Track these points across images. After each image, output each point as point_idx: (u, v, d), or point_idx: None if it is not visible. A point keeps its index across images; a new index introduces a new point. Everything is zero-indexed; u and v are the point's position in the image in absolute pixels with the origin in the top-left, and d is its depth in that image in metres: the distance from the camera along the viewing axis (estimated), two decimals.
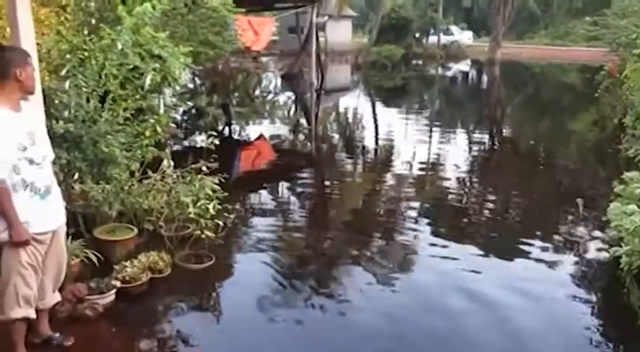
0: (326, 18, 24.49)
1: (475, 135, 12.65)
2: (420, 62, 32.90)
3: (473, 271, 4.89)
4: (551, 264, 5.12)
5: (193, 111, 13.23)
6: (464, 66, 32.62)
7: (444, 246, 5.47)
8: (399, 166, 9.16)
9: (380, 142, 11.42)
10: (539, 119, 15.14)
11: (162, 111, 6.21)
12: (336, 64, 30.35)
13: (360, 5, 46.32)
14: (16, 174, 3.00)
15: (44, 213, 3.15)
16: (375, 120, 14.53)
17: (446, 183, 8.07)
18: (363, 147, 11.01)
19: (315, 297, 4.40)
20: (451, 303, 4.34)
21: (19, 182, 3.02)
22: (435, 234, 5.84)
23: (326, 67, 22.73)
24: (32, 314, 3.21)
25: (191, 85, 16.11)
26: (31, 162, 3.06)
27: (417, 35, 36.54)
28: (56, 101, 4.52)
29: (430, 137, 11.71)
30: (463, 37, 40.38)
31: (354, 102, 17.92)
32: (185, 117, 12.51)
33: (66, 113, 4.36)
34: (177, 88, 6.16)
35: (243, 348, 3.71)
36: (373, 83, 24.10)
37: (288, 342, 3.82)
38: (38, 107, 3.61)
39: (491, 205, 7.08)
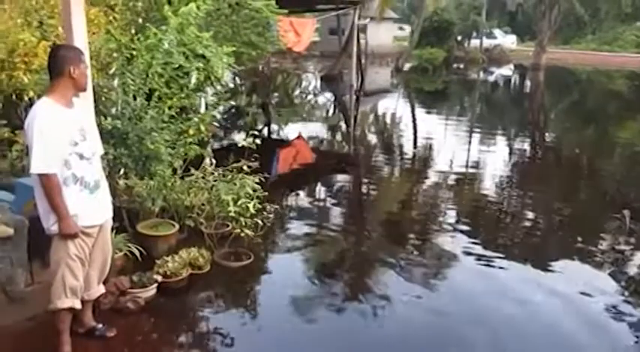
0: (367, 20, 24.42)
1: (517, 142, 12.40)
2: (462, 66, 32.47)
3: (511, 278, 4.83)
4: (595, 275, 4.99)
5: (233, 110, 13.41)
6: (506, 70, 32.02)
7: (482, 253, 5.39)
8: (437, 171, 9.05)
9: (419, 146, 11.31)
10: (584, 126, 14.75)
11: (203, 110, 6.29)
12: (376, 66, 30.27)
13: (402, 7, 46.06)
14: (67, 169, 3.09)
15: (93, 207, 3.24)
16: (414, 124, 14.40)
17: (485, 189, 7.94)
18: (402, 150, 10.93)
19: (350, 300, 4.40)
20: (486, 310, 4.28)
21: (70, 176, 3.11)
22: (472, 240, 5.74)
23: (366, 69, 22.68)
24: (78, 305, 3.30)
25: (231, 85, 16.29)
26: (82, 157, 3.16)
27: (459, 38, 36.10)
28: (104, 98, 4.65)
29: (470, 142, 11.53)
30: (506, 41, 39.69)
31: (394, 105, 17.81)
32: (225, 117, 12.69)
33: (114, 110, 4.47)
34: (218, 87, 6.24)
35: (277, 347, 3.74)
36: (413, 86, 23.90)
37: (322, 344, 3.83)
38: (89, 104, 3.72)
39: (532, 213, 6.92)
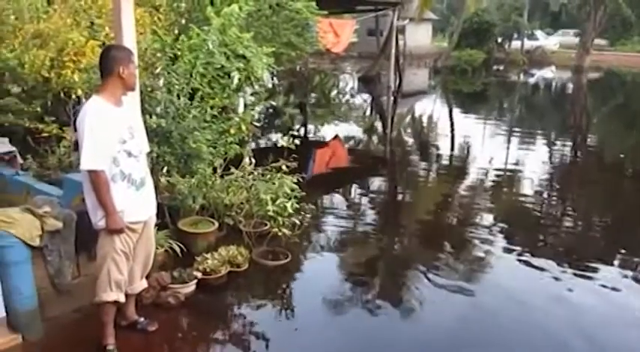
0: (406, 21, 24.26)
1: (557, 146, 12.12)
2: (502, 68, 31.87)
3: (549, 284, 4.75)
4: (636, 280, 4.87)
5: (270, 110, 13.51)
6: (548, 73, 31.27)
7: (519, 258, 5.31)
8: (475, 174, 8.93)
9: (456, 148, 11.18)
10: (628, 131, 14.30)
11: (241, 109, 6.38)
12: (414, 67, 30.04)
13: (441, 9, 45.57)
14: (115, 166, 3.18)
15: (138, 204, 3.32)
16: (452, 126, 14.24)
17: (524, 194, 7.80)
18: (439, 152, 10.83)
19: (383, 302, 4.41)
20: (522, 316, 4.21)
21: (118, 173, 3.20)
22: (509, 244, 5.66)
23: (404, 71, 22.54)
24: (122, 299, 3.39)
25: (269, 85, 16.41)
26: (130, 154, 3.24)
27: (500, 40, 35.44)
28: (149, 97, 4.75)
29: (509, 145, 11.34)
30: (549, 42, 38.76)
31: (431, 107, 17.65)
32: (262, 116, 12.79)
33: (158, 109, 4.57)
34: (256, 87, 6.32)
35: (313, 347, 3.77)
36: (452, 88, 23.62)
37: (355, 346, 3.83)
38: (137, 103, 3.81)
39: (571, 219, 6.78)
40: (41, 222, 3.42)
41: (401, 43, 22.09)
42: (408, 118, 15.70)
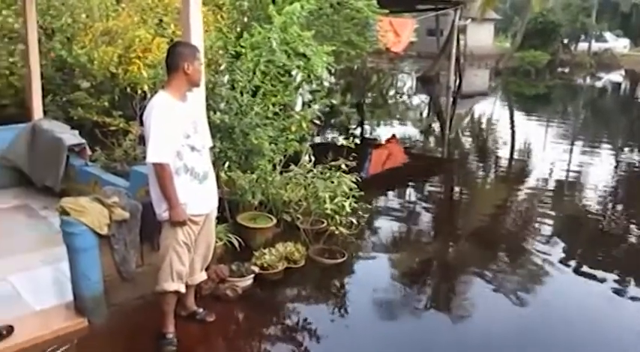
0: (468, 21, 23.80)
1: (625, 154, 11.57)
2: (567, 70, 30.75)
3: (608, 297, 4.52)
4: None
5: (327, 109, 13.52)
6: (616, 76, 29.94)
7: (577, 268, 5.11)
8: (534, 179, 8.63)
9: (516, 152, 10.87)
10: None
11: (299, 107, 6.41)
12: (475, 68, 29.41)
13: (504, 8, 44.42)
14: (179, 160, 3.25)
15: (201, 197, 3.38)
16: (513, 129, 13.86)
17: (585, 202, 7.47)
18: (497, 156, 10.55)
19: (435, 305, 4.36)
20: (577, 328, 4.05)
21: (182, 167, 3.27)
22: (567, 254, 5.41)
23: (464, 71, 22.11)
24: (182, 289, 3.47)
25: (326, 83, 16.44)
26: (193, 149, 3.30)
27: (566, 41, 34.24)
28: (214, 93, 4.84)
29: (572, 151, 10.90)
30: (618, 44, 37.09)
31: (491, 109, 17.23)
32: (319, 115, 12.79)
33: (222, 105, 4.65)
34: (314, 85, 6.34)
35: (363, 347, 3.73)
36: (513, 90, 22.99)
37: (405, 347, 3.79)
38: (201, 98, 3.89)
39: (636, 231, 6.43)
40: (109, 212, 3.54)
41: (462, 43, 21.67)
42: (466, 120, 15.39)
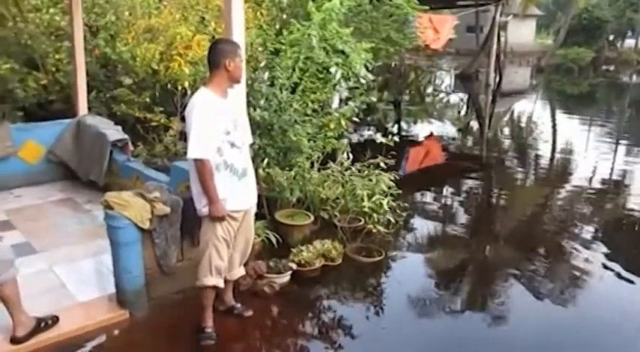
0: (509, 17, 23.30)
1: None
2: (612, 68, 29.81)
3: None
4: None
5: (363, 106, 13.45)
6: None
7: (619, 273, 4.92)
8: (575, 181, 8.36)
9: (556, 152, 10.59)
10: None
11: (335, 104, 6.40)
12: (515, 65, 28.81)
13: (547, 4, 43.38)
14: (219, 156, 3.28)
15: (240, 193, 3.40)
16: (554, 128, 13.52)
17: (630, 204, 7.21)
18: (538, 156, 10.29)
19: (470, 307, 4.30)
20: (624, 336, 3.89)
21: (222, 163, 3.29)
22: (609, 258, 5.22)
23: (504, 69, 21.68)
24: (221, 284, 3.50)
25: (363, 81, 16.35)
26: (233, 145, 3.32)
27: (611, 38, 33.19)
28: (251, 90, 4.87)
29: (615, 152, 10.53)
30: None
31: (532, 107, 16.85)
32: (355, 112, 12.74)
33: (262, 102, 4.67)
34: (351, 83, 6.32)
35: (398, 347, 3.69)
36: (555, 88, 22.41)
37: (442, 348, 3.76)
38: (242, 95, 3.91)
39: None
40: (151, 207, 3.60)
41: (502, 39, 21.24)
42: (506, 118, 15.09)
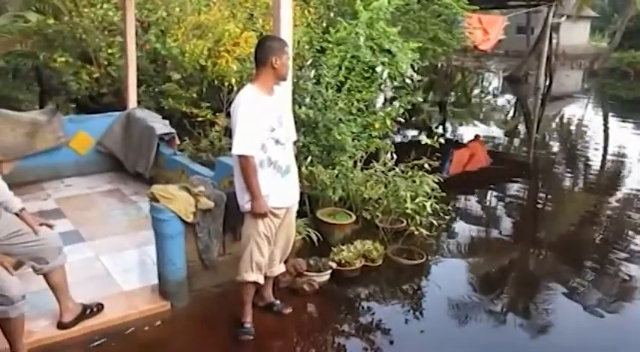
0: (562, 18, 22.65)
1: None
2: None
3: None
4: None
5: (408, 106, 13.30)
6: None
7: None
8: (628, 188, 8.04)
9: (608, 158, 10.21)
10: None
11: (379, 104, 6.34)
12: (567, 68, 27.96)
13: (602, 5, 41.96)
14: (263, 152, 3.29)
15: (283, 190, 3.40)
16: (606, 134, 13.04)
17: None
18: (588, 161, 9.94)
19: (512, 315, 4.18)
20: None
21: (265, 159, 3.30)
22: None
23: (555, 71, 21.05)
24: (261, 280, 3.52)
25: (409, 81, 16.18)
26: (277, 142, 3.33)
27: None
28: (296, 88, 4.88)
29: None
30: None
31: (583, 112, 16.32)
32: (400, 112, 12.61)
33: (307, 100, 4.67)
34: (396, 82, 6.25)
35: (437, 351, 3.65)
36: (609, 92, 21.61)
37: None
38: (288, 92, 3.91)
39: None
40: (195, 200, 3.65)
41: (554, 41, 20.65)
42: (555, 122, 14.66)
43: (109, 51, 8.60)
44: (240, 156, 3.24)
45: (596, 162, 9.87)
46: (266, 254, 3.47)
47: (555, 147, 11.57)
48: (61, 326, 3.39)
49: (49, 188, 5.87)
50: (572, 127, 14.19)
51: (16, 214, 3.10)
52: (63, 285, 3.35)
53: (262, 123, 3.25)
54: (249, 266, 3.44)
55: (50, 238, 3.20)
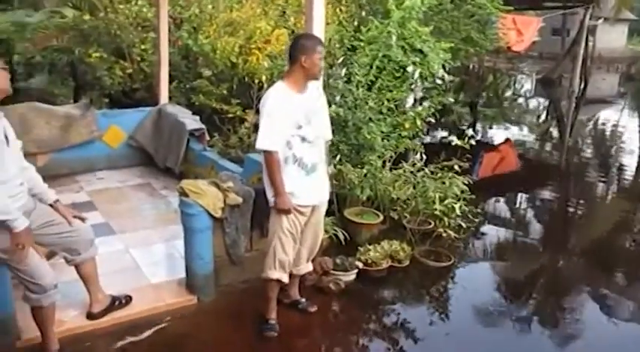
0: (599, 21, 22.14)
1: None
2: None
3: None
4: None
5: (439, 106, 13.16)
6: None
7: None
8: None
9: None
10: None
11: (409, 104, 6.28)
12: (603, 72, 27.32)
13: None
14: (288, 149, 3.28)
15: (308, 188, 3.37)
16: None
17: None
18: (622, 168, 9.68)
19: (540, 322, 4.11)
20: None
21: (291, 156, 3.29)
22: None
23: (590, 75, 20.60)
24: (285, 279, 3.51)
25: (439, 81, 16.02)
26: (304, 139, 3.30)
27: None
28: (327, 86, 4.86)
29: None
30: None
31: (618, 116, 15.92)
32: (431, 112, 12.48)
33: (337, 98, 4.66)
34: (426, 83, 6.19)
35: None
36: None
37: None
38: (321, 90, 3.81)
39: None
40: (224, 196, 3.67)
41: (590, 44, 20.20)
42: (589, 127, 14.33)
43: (142, 47, 8.70)
44: (264, 152, 3.26)
45: (630, 168, 9.61)
46: (290, 252, 3.46)
47: (588, 151, 11.31)
48: (90, 316, 3.45)
49: (82, 181, 5.98)
50: (607, 132, 13.86)
51: (51, 205, 3.17)
52: (94, 277, 3.40)
53: (288, 120, 3.24)
54: (273, 263, 3.45)
55: (83, 230, 3.26)
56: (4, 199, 2.73)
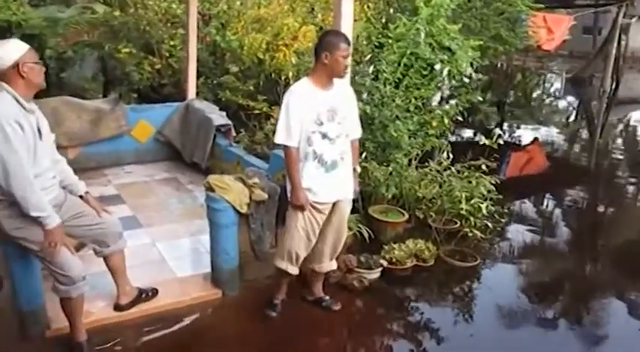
0: (633, 19, 21.59)
1: None
2: None
3: None
4: None
5: (466, 105, 13.00)
6: None
7: None
8: None
9: None
10: None
11: (435, 102, 6.22)
12: (635, 72, 26.67)
13: None
14: (308, 145, 3.28)
15: (326, 185, 3.35)
16: None
17: None
18: None
19: (566, 325, 4.07)
20: None
21: (311, 153, 3.29)
22: None
23: (622, 74, 20.14)
24: (292, 271, 3.54)
25: (467, 80, 15.82)
26: (325, 136, 3.28)
27: None
28: (354, 83, 4.84)
29: None
30: None
31: None
32: (459, 111, 12.34)
33: (364, 95, 4.64)
34: (454, 81, 6.12)
35: None
36: None
37: None
38: (350, 88, 3.76)
39: None
40: (250, 192, 3.69)
41: (622, 43, 19.73)
42: (620, 128, 14.02)
43: (171, 43, 8.78)
44: (284, 146, 3.28)
45: None
46: (302, 248, 3.45)
47: (619, 153, 11.07)
48: (117, 308, 3.51)
49: (110, 174, 6.07)
50: (639, 133, 13.55)
51: (80, 197, 3.22)
52: (122, 269, 3.45)
53: (308, 116, 3.23)
54: (282, 254, 3.50)
55: (112, 222, 3.31)
56: (39, 194, 2.76)
